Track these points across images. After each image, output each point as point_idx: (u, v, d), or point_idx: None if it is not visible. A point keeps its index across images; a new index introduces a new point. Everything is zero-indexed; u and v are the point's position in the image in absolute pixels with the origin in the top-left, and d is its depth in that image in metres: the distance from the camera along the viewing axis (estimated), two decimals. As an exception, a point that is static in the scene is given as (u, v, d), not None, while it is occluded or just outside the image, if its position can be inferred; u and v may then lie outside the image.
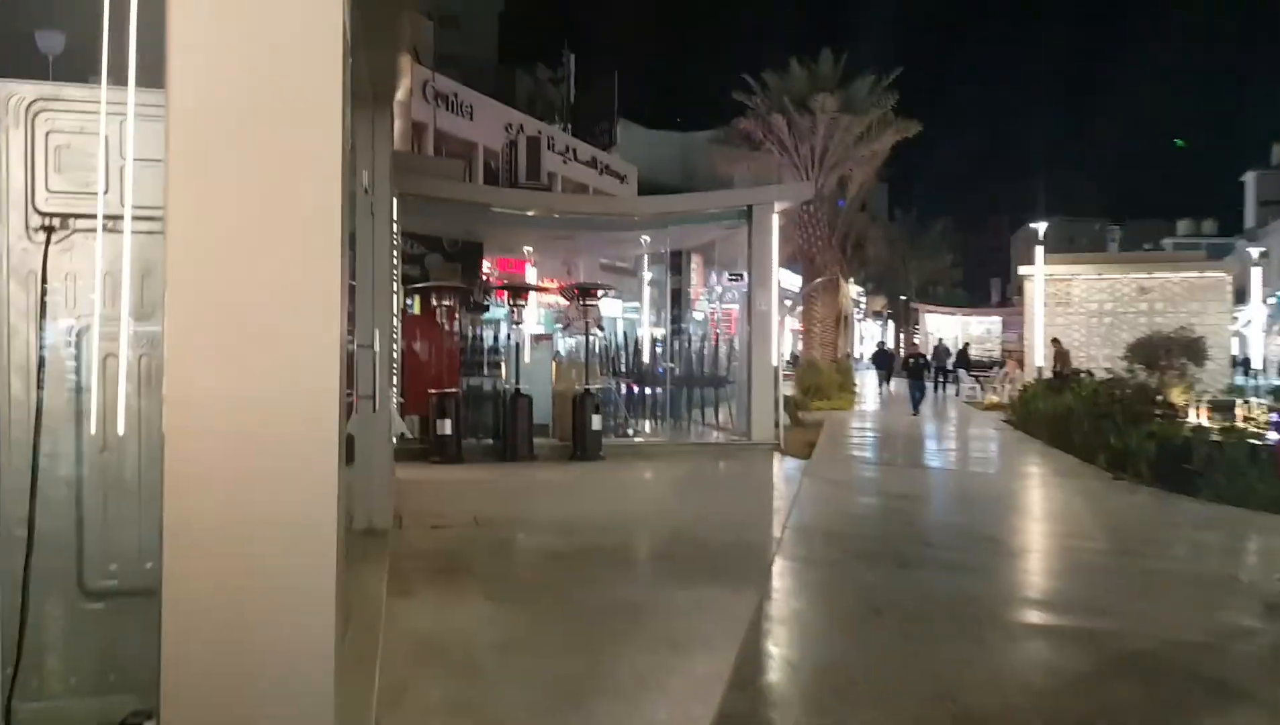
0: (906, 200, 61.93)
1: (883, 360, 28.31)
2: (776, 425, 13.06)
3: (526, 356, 12.24)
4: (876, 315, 57.39)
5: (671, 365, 15.50)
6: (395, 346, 10.73)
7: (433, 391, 10.85)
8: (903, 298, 51.99)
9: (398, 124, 8.56)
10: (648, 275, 19.02)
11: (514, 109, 29.24)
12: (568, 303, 12.87)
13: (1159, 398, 13.79)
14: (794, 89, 25.51)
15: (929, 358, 22.14)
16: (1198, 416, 13.64)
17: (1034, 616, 5.36)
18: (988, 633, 4.90)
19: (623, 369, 15.79)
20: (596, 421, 11.33)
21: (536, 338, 13.24)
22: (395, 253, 10.29)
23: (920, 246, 52.27)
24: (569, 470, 10.77)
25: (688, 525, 7.73)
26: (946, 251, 55.99)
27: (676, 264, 17.79)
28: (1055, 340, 22.68)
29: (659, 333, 17.27)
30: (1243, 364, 29.72)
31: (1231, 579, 6.35)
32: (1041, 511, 9.27)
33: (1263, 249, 39.26)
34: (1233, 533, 7.84)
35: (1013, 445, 14.56)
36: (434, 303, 11.30)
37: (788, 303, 23.11)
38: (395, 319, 10.66)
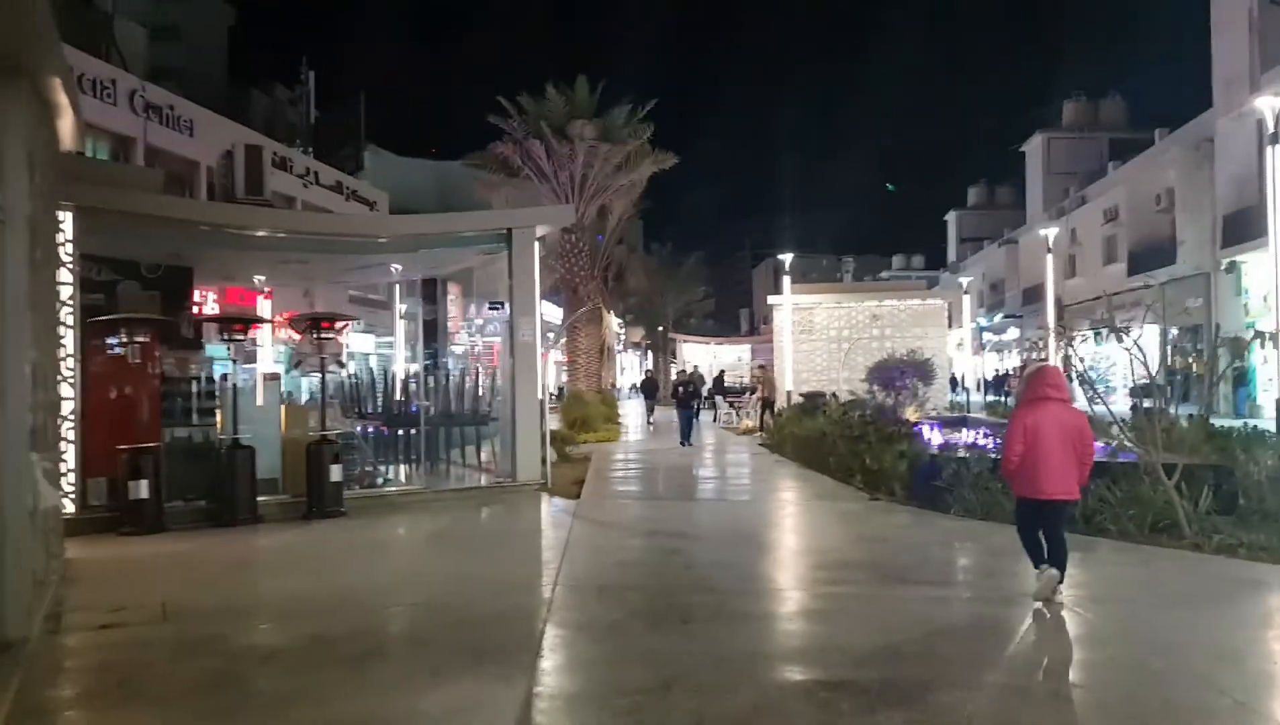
0: (661, 235, 64.44)
1: (650, 389, 28.53)
2: (543, 463, 12.24)
3: (252, 400, 10.46)
4: (636, 346, 58.65)
5: (427, 403, 14.17)
6: (72, 395, 8.70)
7: (124, 447, 8.87)
8: (660, 328, 53.48)
9: (73, 124, 6.80)
10: (400, 306, 17.55)
11: (246, 127, 26.53)
12: (300, 336, 11.22)
13: (900, 417, 14.63)
14: (551, 115, 25.18)
15: (695, 386, 22.28)
16: (934, 435, 14.59)
17: (831, 671, 4.81)
18: (794, 702, 4.31)
19: (371, 409, 14.24)
20: (336, 472, 9.83)
21: (265, 378, 11.42)
22: (64, 278, 8.32)
23: (675, 279, 54.16)
24: (301, 533, 9.16)
25: (444, 593, 6.60)
26: (698, 284, 58.50)
27: (432, 293, 16.56)
28: (761, 366, 23.64)
29: (414, 368, 15.86)
30: (958, 382, 33.67)
31: (1003, 601, 6.31)
32: (812, 543, 9.12)
33: (970, 279, 45.09)
34: (987, 549, 8.00)
35: (773, 470, 14.77)
36: (125, 340, 9.28)
37: (550, 335, 22.51)
38: (70, 361, 8.65)
